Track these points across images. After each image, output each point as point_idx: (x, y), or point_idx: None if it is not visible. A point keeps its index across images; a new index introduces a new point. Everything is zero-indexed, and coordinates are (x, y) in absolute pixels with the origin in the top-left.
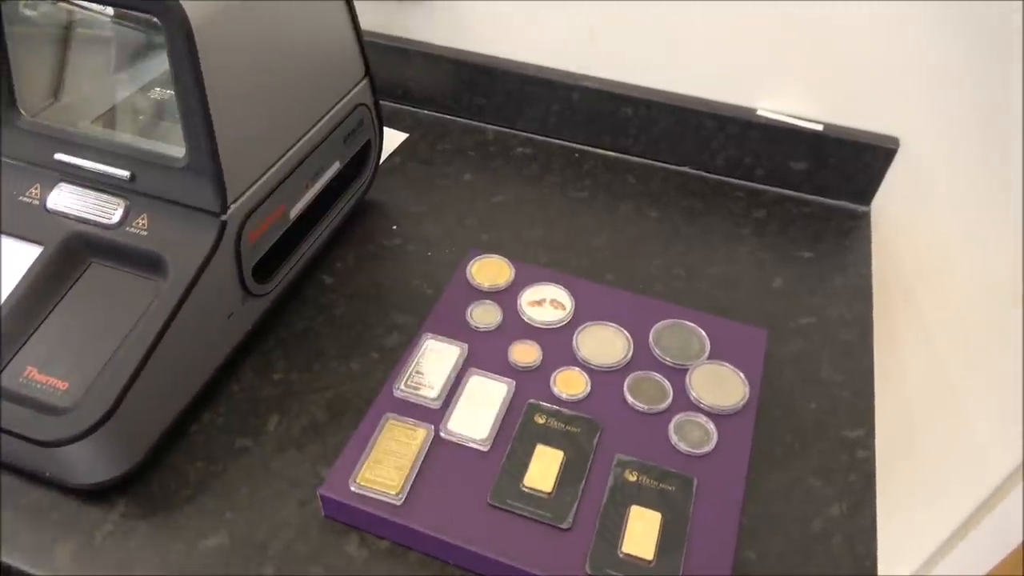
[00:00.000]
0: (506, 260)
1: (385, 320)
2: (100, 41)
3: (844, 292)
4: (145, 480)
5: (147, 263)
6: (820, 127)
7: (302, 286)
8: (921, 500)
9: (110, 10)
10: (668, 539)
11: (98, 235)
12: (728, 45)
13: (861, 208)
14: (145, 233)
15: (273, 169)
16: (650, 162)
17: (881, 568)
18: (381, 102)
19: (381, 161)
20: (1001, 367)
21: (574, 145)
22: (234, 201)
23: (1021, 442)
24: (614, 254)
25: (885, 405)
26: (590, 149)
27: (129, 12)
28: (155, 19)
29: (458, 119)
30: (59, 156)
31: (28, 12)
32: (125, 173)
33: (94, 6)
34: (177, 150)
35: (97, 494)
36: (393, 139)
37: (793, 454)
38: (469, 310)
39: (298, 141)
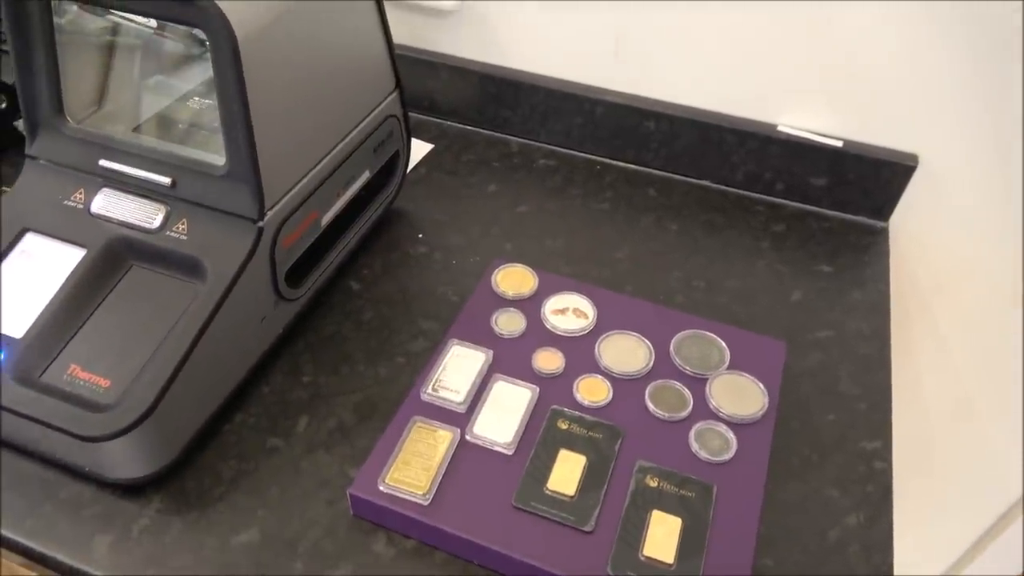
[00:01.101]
0: (530, 269)
1: (411, 326)
2: (141, 51)
3: (862, 306)
4: (180, 477)
5: (186, 267)
6: (840, 143)
7: (331, 292)
8: (937, 514)
9: (153, 22)
10: (688, 544)
11: (139, 239)
12: (750, 61)
13: (880, 224)
14: (185, 238)
15: (307, 177)
16: (671, 176)
17: None
18: (410, 113)
19: (408, 171)
20: (1019, 381)
21: (597, 158)
22: (271, 208)
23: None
24: (635, 266)
25: (901, 418)
26: (612, 162)
27: (171, 24)
28: (198, 32)
29: (483, 131)
30: (103, 162)
31: (71, 22)
32: (166, 179)
33: (137, 18)
34: (217, 158)
35: (134, 489)
36: (419, 150)
37: (811, 465)
38: (494, 317)
39: (332, 150)
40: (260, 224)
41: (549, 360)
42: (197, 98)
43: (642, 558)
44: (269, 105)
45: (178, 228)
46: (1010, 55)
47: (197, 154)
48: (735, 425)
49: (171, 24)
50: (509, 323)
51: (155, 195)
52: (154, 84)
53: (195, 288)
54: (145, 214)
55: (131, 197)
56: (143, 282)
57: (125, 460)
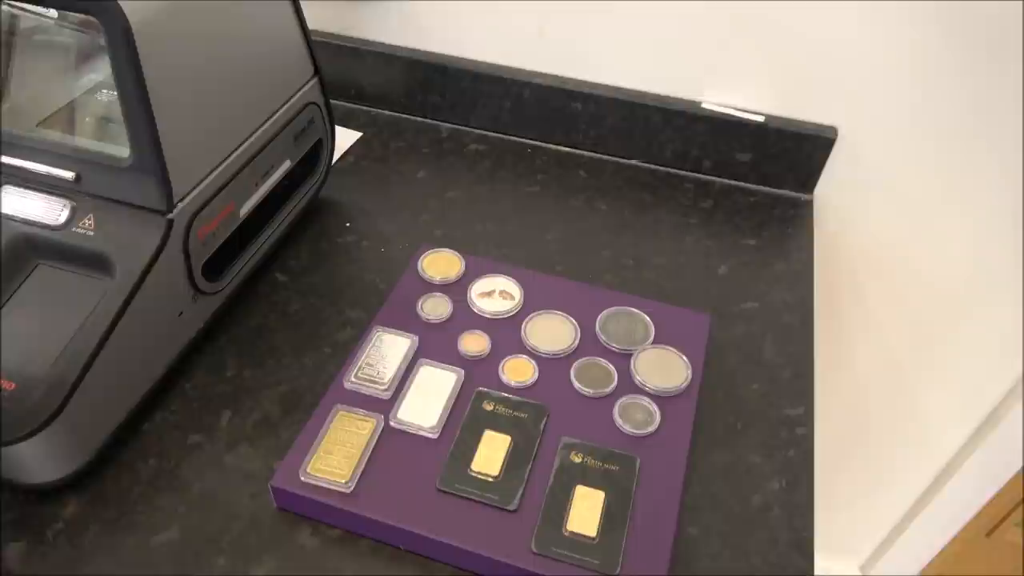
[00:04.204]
0: (457, 253)
1: (338, 316)
2: (48, 45)
3: (786, 277)
4: (97, 478)
5: (94, 263)
6: (762, 118)
7: (255, 284)
8: (873, 483)
9: (54, 12)
10: (611, 517)
11: (44, 236)
12: (673, 39)
13: (804, 196)
14: (92, 233)
15: (221, 167)
16: (601, 156)
17: (839, 549)
18: (335, 102)
19: (335, 160)
20: (946, 344)
21: (526, 141)
22: (181, 199)
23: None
24: (565, 247)
25: (834, 389)
26: (542, 144)
27: (73, 14)
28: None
29: (412, 117)
30: (3, 159)
31: None
32: (70, 174)
33: (38, 9)
34: (122, 150)
35: (49, 493)
36: (347, 138)
37: (735, 433)
38: (420, 303)
39: (246, 139)
40: (170, 216)
41: (475, 343)
42: (106, 90)
43: (566, 533)
44: (171, 92)
45: (85, 224)
46: (925, 26)
47: (101, 146)
48: (659, 398)
49: (71, 14)
50: (435, 308)
51: (59, 191)
52: (62, 78)
53: (104, 285)
54: (49, 210)
55: (34, 194)
56: (50, 281)
57: (37, 464)
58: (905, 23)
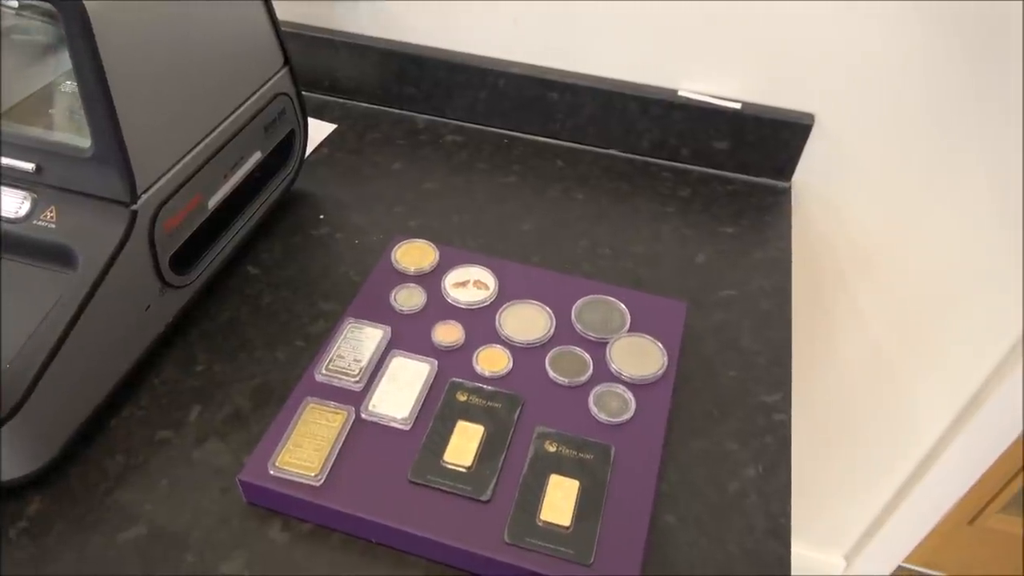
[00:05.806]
0: (431, 244)
1: (311, 308)
2: (9, 36)
3: (764, 265)
4: (63, 475)
5: (57, 256)
6: (738, 106)
7: (227, 277)
8: (858, 474)
9: (14, 1)
10: (586, 506)
11: (5, 229)
12: (649, 27)
13: (782, 184)
14: (53, 226)
15: (187, 158)
16: (578, 146)
17: (824, 540)
18: (310, 94)
19: (308, 152)
20: (928, 333)
21: (503, 131)
22: (145, 191)
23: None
24: (542, 237)
25: (818, 381)
26: (519, 135)
27: (37, 4)
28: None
29: (388, 109)
30: None
31: None
32: (30, 166)
33: None
34: (84, 140)
35: (12, 491)
36: (321, 130)
37: (712, 420)
38: (393, 294)
39: (213, 130)
40: (133, 208)
41: (448, 333)
42: (70, 81)
43: (539, 523)
44: (133, 80)
45: (46, 216)
46: (901, 11)
47: (63, 137)
48: (635, 386)
49: (32, 3)
50: (409, 299)
51: (20, 183)
52: (25, 69)
53: (67, 278)
54: (10, 203)
55: None
56: (12, 275)
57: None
58: (881, 8)
